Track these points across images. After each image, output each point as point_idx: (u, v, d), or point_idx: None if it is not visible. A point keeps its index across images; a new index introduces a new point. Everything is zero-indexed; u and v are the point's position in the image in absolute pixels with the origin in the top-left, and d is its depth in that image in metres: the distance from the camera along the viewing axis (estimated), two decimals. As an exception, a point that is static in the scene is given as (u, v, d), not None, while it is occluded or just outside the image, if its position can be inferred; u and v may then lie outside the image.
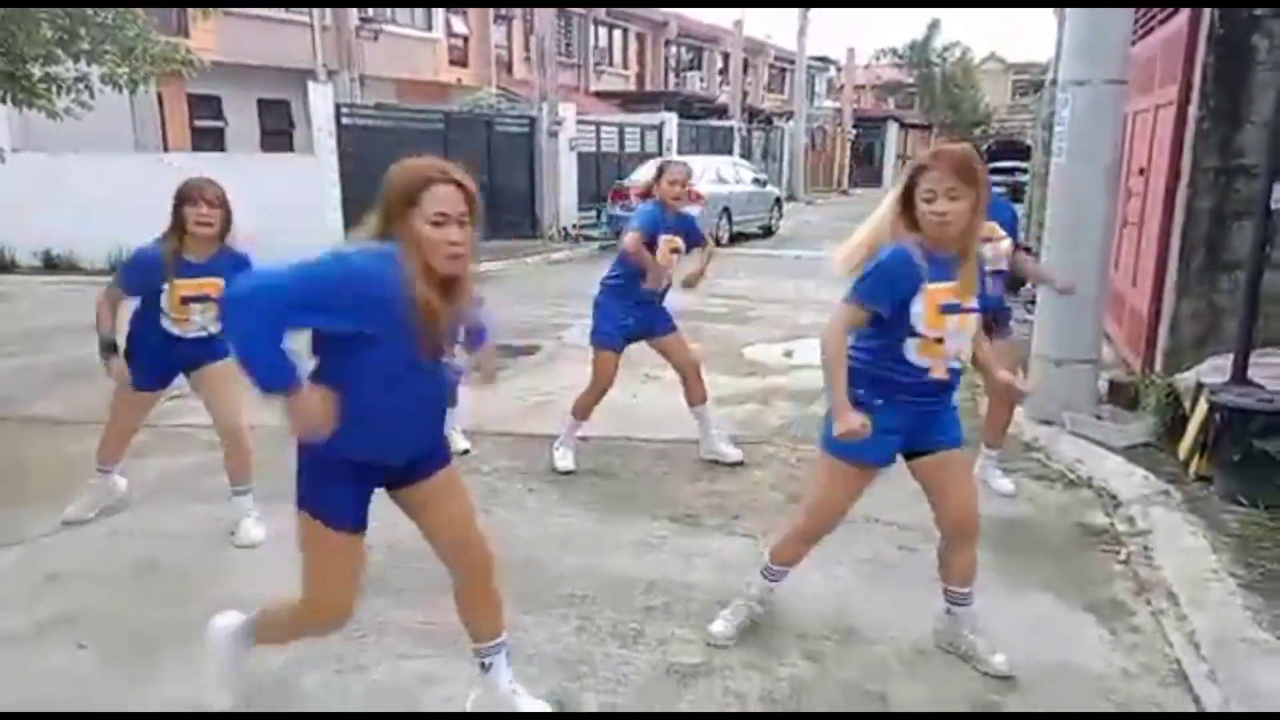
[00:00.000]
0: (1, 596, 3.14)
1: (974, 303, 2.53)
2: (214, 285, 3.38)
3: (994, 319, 3.60)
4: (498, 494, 4.11)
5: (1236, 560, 3.26)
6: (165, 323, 3.45)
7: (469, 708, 2.46)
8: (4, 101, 6.03)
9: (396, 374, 2.05)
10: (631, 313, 4.36)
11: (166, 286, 3.38)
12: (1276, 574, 3.17)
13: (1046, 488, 4.22)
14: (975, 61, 40.48)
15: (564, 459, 4.43)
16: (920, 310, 2.46)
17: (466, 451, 4.54)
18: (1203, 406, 4.00)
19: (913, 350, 2.50)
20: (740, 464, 4.46)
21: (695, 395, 4.55)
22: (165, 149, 13.90)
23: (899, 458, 2.66)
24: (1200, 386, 4.11)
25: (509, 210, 15.06)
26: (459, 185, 2.00)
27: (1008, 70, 47.39)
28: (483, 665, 2.40)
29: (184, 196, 3.34)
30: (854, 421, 2.42)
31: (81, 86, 5.98)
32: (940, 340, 2.49)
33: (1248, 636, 2.78)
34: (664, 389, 5.28)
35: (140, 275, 3.44)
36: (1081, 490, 4.16)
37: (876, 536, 3.61)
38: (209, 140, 15.44)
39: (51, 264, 11.29)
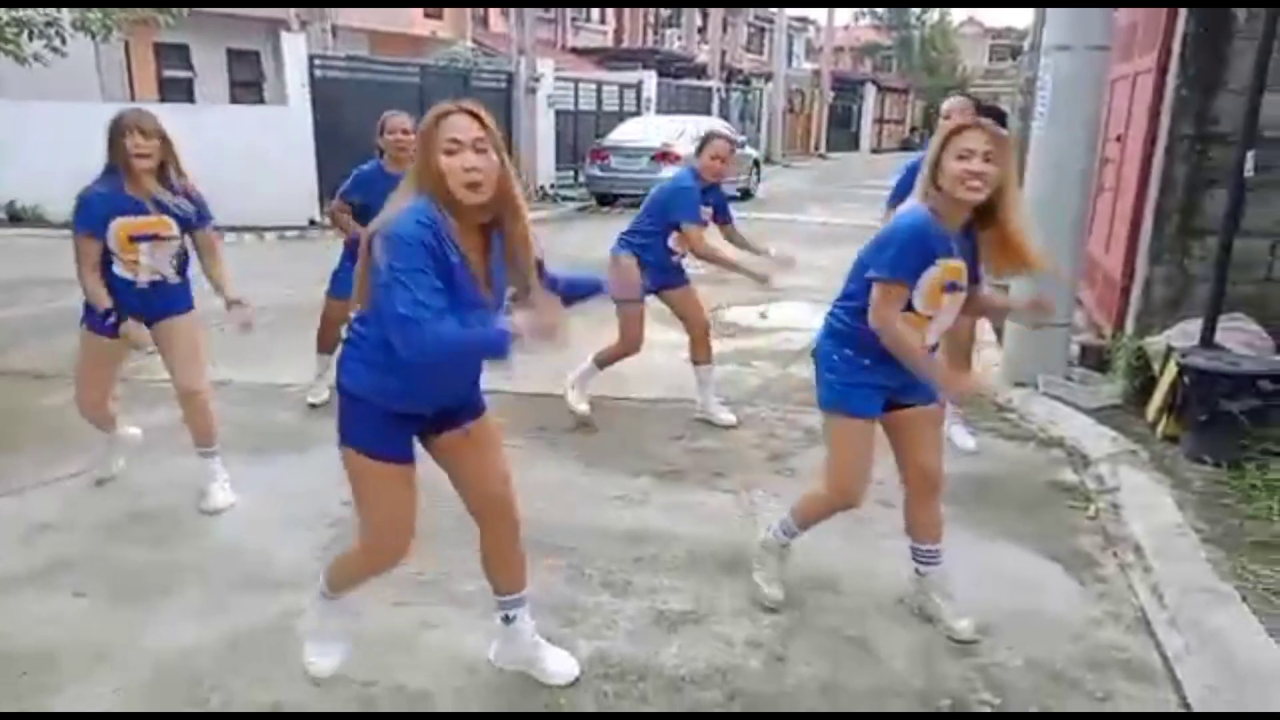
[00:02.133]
0: (-6, 545, 3.15)
1: (965, 281, 2.49)
2: (163, 224, 3.21)
3: None
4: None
5: (1200, 516, 3.41)
6: (116, 266, 3.23)
7: (491, 659, 2.52)
8: (-30, 46, 5.86)
9: None
10: (645, 271, 4.32)
11: (112, 225, 3.15)
12: (1237, 529, 3.32)
13: (1019, 447, 4.34)
14: (954, 25, 40.42)
15: (579, 401, 4.49)
16: (925, 285, 2.40)
17: None
18: (1172, 369, 4.13)
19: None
20: (732, 427, 4.52)
21: (701, 354, 4.58)
22: (132, 99, 13.54)
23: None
24: (1170, 350, 4.24)
25: (486, 168, 14.86)
26: (471, 114, 2.02)
27: (985, 34, 47.40)
28: (505, 618, 2.46)
29: (120, 128, 3.12)
30: (966, 382, 2.35)
31: (52, 32, 5.82)
32: (931, 318, 2.46)
33: (1208, 586, 2.92)
34: (648, 349, 5.31)
35: (100, 210, 3.16)
36: (1053, 449, 4.29)
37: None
38: (177, 91, 15.05)
39: (16, 216, 10.99)
